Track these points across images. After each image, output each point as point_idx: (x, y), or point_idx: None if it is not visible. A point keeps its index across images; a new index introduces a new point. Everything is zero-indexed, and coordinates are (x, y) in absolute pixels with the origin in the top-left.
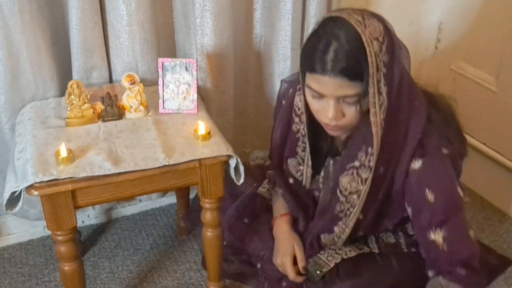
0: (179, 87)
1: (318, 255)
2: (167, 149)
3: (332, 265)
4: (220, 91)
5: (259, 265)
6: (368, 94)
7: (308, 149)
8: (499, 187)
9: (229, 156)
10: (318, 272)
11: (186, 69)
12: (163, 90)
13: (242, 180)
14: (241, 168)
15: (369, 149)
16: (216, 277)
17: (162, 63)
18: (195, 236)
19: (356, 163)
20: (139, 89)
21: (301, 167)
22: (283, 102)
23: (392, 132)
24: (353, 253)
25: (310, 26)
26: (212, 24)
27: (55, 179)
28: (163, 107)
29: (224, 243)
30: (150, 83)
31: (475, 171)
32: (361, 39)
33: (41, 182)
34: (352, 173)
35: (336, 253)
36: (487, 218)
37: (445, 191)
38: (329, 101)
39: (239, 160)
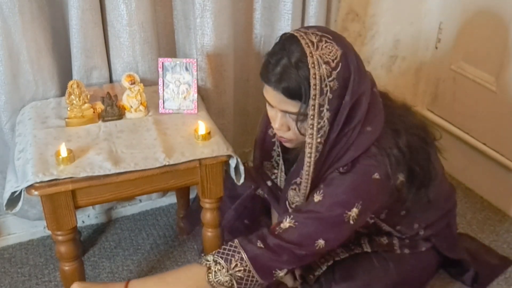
0: (179, 87)
1: None
2: (167, 149)
3: (324, 267)
4: (220, 91)
5: None
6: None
7: (280, 154)
8: (499, 187)
9: (229, 156)
10: (310, 276)
11: (186, 69)
12: (163, 90)
13: (242, 180)
14: (241, 168)
15: (305, 167)
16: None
17: (162, 63)
18: (194, 237)
19: (298, 180)
20: (139, 89)
21: (276, 171)
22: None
23: (331, 153)
24: (345, 254)
25: None
26: (212, 24)
27: (55, 179)
28: (163, 107)
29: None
30: (150, 83)
31: (475, 171)
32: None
33: (41, 182)
34: (295, 189)
35: (328, 255)
36: (487, 218)
37: (329, 202)
38: (277, 112)
39: (239, 160)
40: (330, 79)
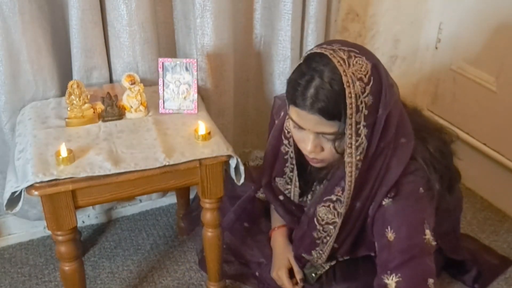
0: (179, 87)
1: None
2: (167, 149)
3: (327, 267)
4: (220, 91)
5: (257, 273)
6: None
7: (295, 171)
8: (499, 187)
9: (229, 156)
10: (313, 274)
11: (187, 69)
12: (163, 90)
13: (242, 180)
14: (241, 168)
15: (347, 186)
16: (216, 277)
17: (163, 63)
18: (194, 237)
19: (333, 197)
20: (139, 89)
21: (289, 186)
22: (276, 121)
23: (372, 169)
24: (348, 256)
25: (310, 26)
26: (212, 24)
27: (56, 179)
28: (164, 107)
29: (224, 246)
30: (150, 83)
31: (475, 171)
32: (342, 79)
33: (41, 182)
34: (329, 206)
35: (332, 255)
36: (487, 218)
37: (407, 234)
38: (309, 135)
39: (239, 160)
40: (364, 95)
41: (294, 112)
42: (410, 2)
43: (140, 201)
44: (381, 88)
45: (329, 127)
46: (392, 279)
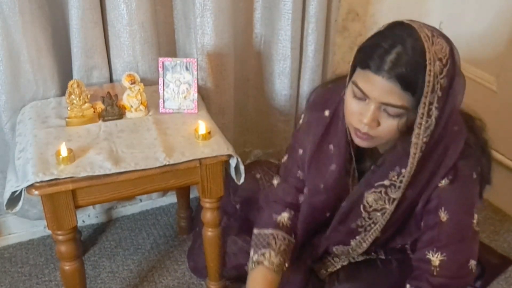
0: (180, 86)
1: (327, 255)
2: (167, 148)
3: (338, 266)
4: (220, 90)
5: None
6: (413, 112)
7: (354, 162)
8: (499, 187)
9: (230, 156)
10: (323, 271)
11: (187, 68)
12: (163, 89)
13: (242, 180)
14: (242, 167)
15: (403, 170)
16: (216, 277)
17: (163, 62)
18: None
19: (386, 182)
20: (139, 89)
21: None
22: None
23: (430, 157)
24: (361, 258)
25: (310, 26)
26: (213, 23)
27: (56, 179)
28: (164, 107)
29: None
30: (150, 83)
31: None
32: (425, 54)
33: (41, 181)
34: (380, 192)
35: (345, 256)
36: (487, 218)
37: (459, 216)
38: (370, 105)
39: (239, 159)
40: (441, 76)
41: (363, 77)
42: (410, 2)
43: (140, 200)
44: (454, 73)
45: (400, 98)
46: (436, 257)
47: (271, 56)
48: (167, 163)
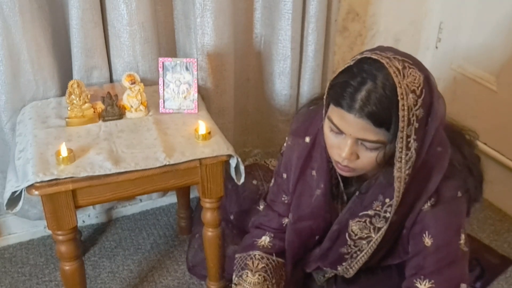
0: (180, 86)
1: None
2: (167, 148)
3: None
4: (221, 90)
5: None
6: (390, 144)
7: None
8: (499, 187)
9: (230, 156)
10: (321, 277)
11: (187, 68)
12: (163, 89)
13: (242, 180)
14: (242, 167)
15: (387, 200)
16: (216, 277)
17: (163, 62)
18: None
19: (370, 212)
20: (139, 89)
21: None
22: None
23: (414, 182)
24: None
25: (310, 26)
26: (213, 23)
27: (56, 179)
28: (164, 107)
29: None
30: (150, 83)
31: None
32: (396, 90)
33: (41, 181)
34: (365, 221)
35: None
36: (487, 218)
37: (444, 240)
38: (347, 140)
39: (239, 159)
40: (416, 108)
41: (337, 114)
42: (410, 2)
43: (141, 200)
44: (432, 101)
45: (374, 134)
46: (424, 285)
47: (271, 56)
48: (167, 163)
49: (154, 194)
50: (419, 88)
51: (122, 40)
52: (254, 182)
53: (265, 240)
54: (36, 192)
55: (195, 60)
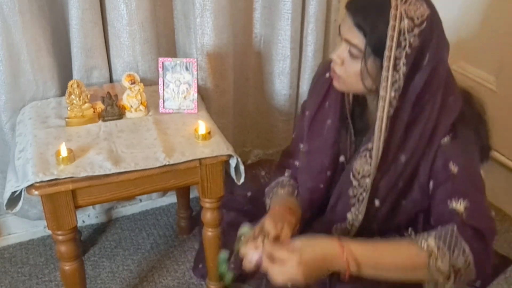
0: (180, 86)
1: None
2: (167, 148)
3: None
4: (220, 90)
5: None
6: (369, 58)
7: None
8: (499, 186)
9: (230, 156)
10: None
11: (187, 68)
12: (163, 89)
13: (242, 180)
14: (242, 167)
15: (378, 122)
16: (216, 277)
17: (163, 62)
18: (195, 236)
19: (370, 145)
20: (139, 89)
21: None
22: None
23: (418, 122)
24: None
25: (310, 26)
26: (212, 23)
27: (56, 179)
28: (164, 107)
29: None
30: (150, 83)
31: None
32: (389, 9)
33: (41, 181)
34: (365, 155)
35: None
36: None
37: (469, 168)
38: (342, 43)
39: (239, 159)
40: (411, 34)
41: (343, 18)
42: None
43: (140, 200)
44: (432, 37)
45: (354, 36)
46: (460, 204)
47: (270, 56)
48: (167, 163)
49: (154, 194)
50: (420, 19)
51: (122, 40)
52: (263, 173)
53: (284, 178)
54: (36, 192)
55: (195, 60)
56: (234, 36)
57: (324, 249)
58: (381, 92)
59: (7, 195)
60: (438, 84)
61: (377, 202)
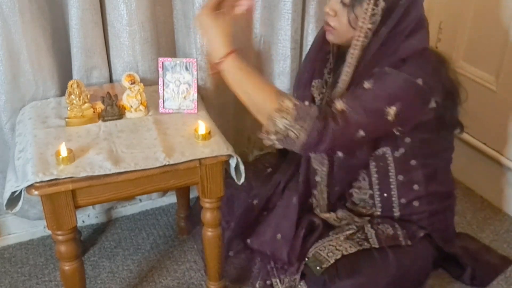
0: (179, 86)
1: (318, 251)
2: (167, 148)
3: (332, 261)
4: (220, 90)
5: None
6: (355, 8)
7: (332, 72)
8: (499, 186)
9: (229, 156)
10: (318, 268)
11: (186, 68)
12: (163, 89)
13: (242, 180)
14: (242, 167)
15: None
16: (216, 277)
17: (163, 62)
18: (194, 236)
19: (343, 77)
20: (139, 89)
21: (324, 90)
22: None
23: (384, 55)
24: (354, 249)
25: (310, 26)
26: None
27: (56, 179)
28: (164, 107)
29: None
30: (150, 83)
31: (475, 170)
32: None
33: (41, 181)
34: (338, 83)
35: (337, 249)
36: (487, 218)
37: (377, 94)
38: None
39: (239, 159)
40: None
41: None
42: None
43: (140, 200)
44: None
45: None
46: (341, 105)
47: (270, 56)
48: (167, 163)
49: (153, 194)
50: None
51: (121, 40)
52: (269, 170)
53: None
54: (36, 192)
55: (195, 60)
56: (234, 36)
57: (215, 39)
58: (359, 23)
59: (7, 195)
60: (409, 22)
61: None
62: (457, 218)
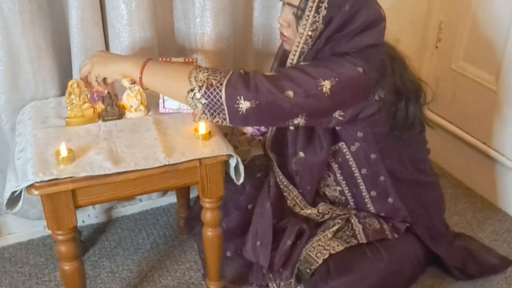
0: None
1: (308, 252)
2: (167, 148)
3: (320, 261)
4: None
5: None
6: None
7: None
8: (499, 186)
9: (229, 156)
10: (307, 270)
11: None
12: None
13: (242, 180)
14: (241, 167)
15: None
16: (216, 277)
17: None
18: (194, 236)
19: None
20: (139, 89)
21: None
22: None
23: (320, 52)
24: (341, 247)
25: None
26: (212, 23)
27: (56, 179)
28: (164, 107)
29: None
30: None
31: (475, 170)
32: None
33: (41, 181)
34: None
35: (325, 249)
36: (487, 218)
37: (313, 69)
38: (284, 8)
39: (239, 159)
40: None
41: None
42: (410, 2)
43: (140, 200)
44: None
45: None
46: (274, 72)
47: (269, 56)
48: (167, 163)
49: (154, 194)
50: None
51: (122, 40)
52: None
53: None
54: (36, 192)
55: (195, 60)
56: (234, 36)
57: (123, 62)
58: (300, 30)
59: (7, 195)
60: (354, 27)
61: None
62: (457, 218)
